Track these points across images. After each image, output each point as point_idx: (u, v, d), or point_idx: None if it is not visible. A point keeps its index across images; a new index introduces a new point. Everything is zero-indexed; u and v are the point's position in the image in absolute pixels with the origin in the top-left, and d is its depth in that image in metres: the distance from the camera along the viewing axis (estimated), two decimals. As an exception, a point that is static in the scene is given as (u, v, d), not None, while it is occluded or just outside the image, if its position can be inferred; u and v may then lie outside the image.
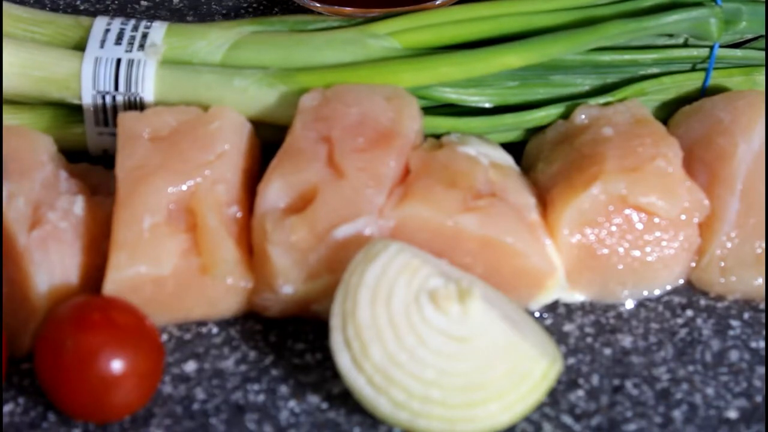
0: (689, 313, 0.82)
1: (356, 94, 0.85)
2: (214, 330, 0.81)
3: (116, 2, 1.05)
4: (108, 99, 0.87)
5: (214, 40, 0.89)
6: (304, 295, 0.80)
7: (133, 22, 0.90)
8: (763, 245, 0.82)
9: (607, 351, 0.80)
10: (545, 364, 0.75)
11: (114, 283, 0.78)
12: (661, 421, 0.76)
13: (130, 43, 0.88)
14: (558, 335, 0.81)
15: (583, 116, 0.87)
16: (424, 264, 0.76)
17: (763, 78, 0.91)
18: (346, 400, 0.77)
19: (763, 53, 0.92)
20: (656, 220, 0.81)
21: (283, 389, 0.78)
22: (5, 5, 0.90)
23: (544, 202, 0.83)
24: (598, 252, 0.81)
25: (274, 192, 0.80)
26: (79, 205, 0.81)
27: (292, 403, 0.77)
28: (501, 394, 0.74)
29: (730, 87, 0.91)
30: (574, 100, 0.89)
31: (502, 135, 0.89)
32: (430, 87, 0.88)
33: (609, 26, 0.88)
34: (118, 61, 0.87)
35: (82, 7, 1.05)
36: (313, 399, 0.77)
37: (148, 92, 0.87)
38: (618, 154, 0.82)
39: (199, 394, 0.78)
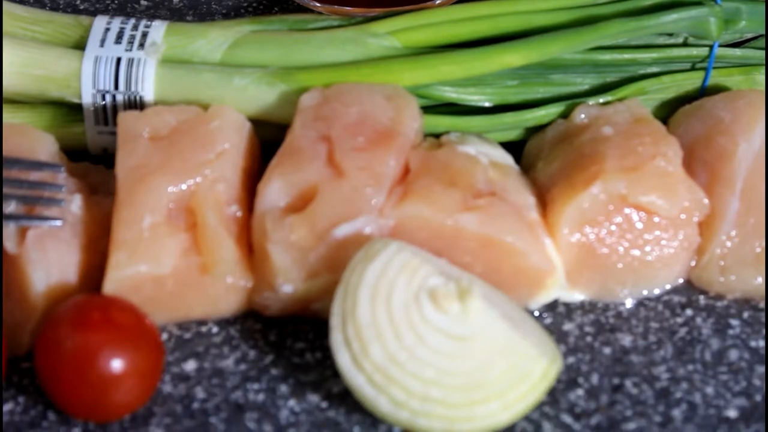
0: (689, 312, 0.82)
1: (356, 93, 0.85)
2: (214, 329, 0.81)
3: (116, 2, 1.05)
4: (108, 98, 0.87)
5: (213, 39, 0.89)
6: (304, 294, 0.80)
7: (133, 21, 0.90)
8: (763, 245, 0.82)
9: (607, 350, 0.80)
10: (545, 363, 0.75)
11: (114, 282, 0.78)
12: (660, 420, 0.76)
13: (130, 42, 0.88)
14: (557, 334, 0.81)
15: (583, 115, 0.87)
16: (423, 263, 0.76)
17: (763, 77, 0.91)
18: (345, 399, 0.77)
19: (762, 53, 0.92)
20: (656, 219, 0.81)
21: (283, 388, 0.78)
22: (5, 4, 0.90)
23: (543, 202, 0.83)
24: (597, 251, 0.82)
25: (274, 191, 0.80)
26: (76, 204, 0.81)
27: (291, 402, 0.77)
28: (501, 393, 0.74)
29: (730, 86, 0.91)
30: (574, 99, 0.89)
31: (502, 134, 0.89)
32: (429, 86, 0.88)
33: (609, 25, 0.88)
34: (118, 60, 0.87)
35: (82, 7, 1.05)
36: (313, 398, 0.78)
37: (148, 91, 0.87)
38: (618, 153, 0.82)
39: (199, 393, 0.78)
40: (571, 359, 0.80)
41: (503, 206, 0.81)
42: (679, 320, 0.82)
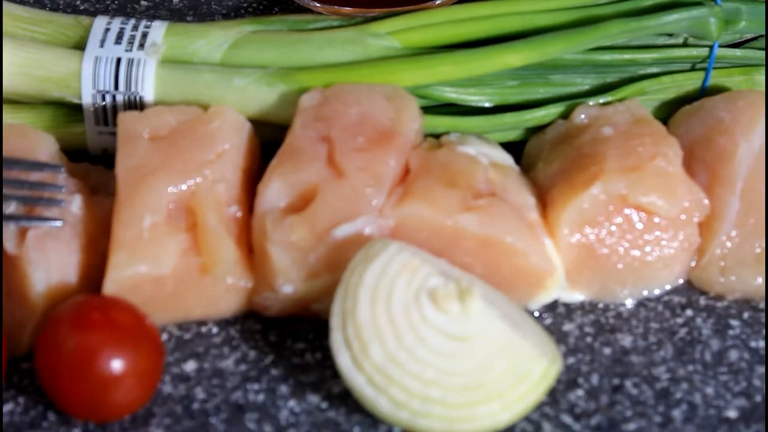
0: (689, 312, 0.82)
1: (356, 94, 0.85)
2: (214, 329, 0.81)
3: (116, 2, 1.05)
4: (108, 98, 0.87)
5: (213, 40, 0.89)
6: (304, 294, 0.80)
7: (133, 21, 0.90)
8: (763, 245, 0.82)
9: (607, 350, 0.80)
10: (545, 363, 0.75)
11: (114, 283, 0.78)
12: (660, 421, 0.76)
13: (130, 43, 0.88)
14: (558, 335, 0.81)
15: (583, 116, 0.87)
16: (423, 263, 0.76)
17: (763, 78, 0.91)
18: (345, 399, 0.77)
19: (762, 53, 0.92)
20: (656, 219, 0.81)
21: (283, 389, 0.78)
22: (5, 5, 0.90)
23: (543, 202, 0.83)
24: (597, 251, 0.82)
25: (274, 191, 0.80)
26: (76, 204, 0.81)
27: (291, 403, 0.77)
28: (501, 393, 0.74)
29: (730, 87, 0.91)
30: (574, 99, 0.89)
31: (502, 134, 0.89)
32: (429, 86, 0.88)
33: (609, 25, 0.88)
34: (118, 60, 0.87)
35: (82, 7, 1.05)
36: (313, 398, 0.78)
37: (148, 91, 0.87)
38: (618, 153, 0.82)
39: (199, 393, 0.78)
40: (571, 360, 0.80)
41: (503, 206, 0.81)
42: (679, 321, 0.82)
